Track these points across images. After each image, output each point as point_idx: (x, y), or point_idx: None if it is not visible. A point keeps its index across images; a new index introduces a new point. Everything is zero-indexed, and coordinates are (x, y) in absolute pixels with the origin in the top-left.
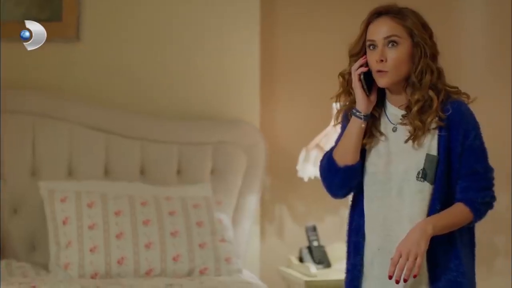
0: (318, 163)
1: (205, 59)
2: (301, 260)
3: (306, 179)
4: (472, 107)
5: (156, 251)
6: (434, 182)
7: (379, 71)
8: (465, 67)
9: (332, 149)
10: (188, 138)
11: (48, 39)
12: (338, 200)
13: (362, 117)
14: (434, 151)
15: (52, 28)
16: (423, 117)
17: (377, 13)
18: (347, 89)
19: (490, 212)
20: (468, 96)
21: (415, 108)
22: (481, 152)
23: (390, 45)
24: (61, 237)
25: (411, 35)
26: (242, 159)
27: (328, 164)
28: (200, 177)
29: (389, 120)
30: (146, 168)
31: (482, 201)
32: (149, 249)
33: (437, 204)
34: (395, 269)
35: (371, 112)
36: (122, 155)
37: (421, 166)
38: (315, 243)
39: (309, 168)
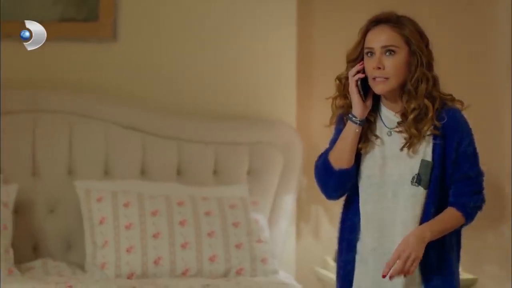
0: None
1: (242, 59)
2: None
3: None
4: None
5: (193, 251)
6: (428, 187)
7: (375, 78)
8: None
9: (327, 151)
10: (224, 138)
11: (85, 39)
12: None
13: (358, 122)
14: (428, 157)
15: (89, 28)
16: (419, 125)
17: (376, 21)
18: (343, 93)
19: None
20: (462, 103)
21: (411, 117)
22: (473, 158)
23: (387, 54)
24: (98, 236)
25: (408, 44)
26: (278, 159)
27: (323, 166)
28: (236, 178)
29: (384, 124)
30: (182, 168)
31: (473, 205)
32: (185, 249)
33: (431, 207)
34: (389, 270)
35: (366, 117)
36: (158, 155)
37: (416, 171)
38: None
39: None
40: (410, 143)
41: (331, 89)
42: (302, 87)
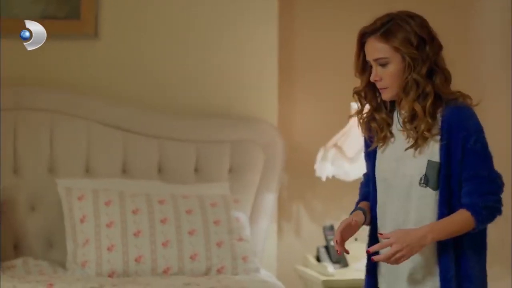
0: (337, 163)
1: (223, 57)
2: (318, 259)
3: (323, 178)
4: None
5: (174, 250)
6: (438, 188)
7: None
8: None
9: (367, 180)
10: (206, 136)
11: (67, 36)
12: (355, 200)
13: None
14: (435, 158)
15: (71, 25)
16: (416, 126)
17: (364, 34)
18: (363, 107)
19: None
20: (470, 99)
21: (404, 120)
22: (483, 157)
23: (380, 65)
24: (79, 235)
25: (399, 51)
26: (259, 157)
27: None
28: (217, 176)
29: (398, 122)
30: (163, 166)
31: (484, 205)
32: (166, 248)
33: (444, 209)
34: (378, 250)
35: (387, 116)
36: (140, 153)
37: (424, 172)
38: (332, 243)
39: (327, 167)
40: (414, 143)
41: (313, 87)
42: (283, 86)
